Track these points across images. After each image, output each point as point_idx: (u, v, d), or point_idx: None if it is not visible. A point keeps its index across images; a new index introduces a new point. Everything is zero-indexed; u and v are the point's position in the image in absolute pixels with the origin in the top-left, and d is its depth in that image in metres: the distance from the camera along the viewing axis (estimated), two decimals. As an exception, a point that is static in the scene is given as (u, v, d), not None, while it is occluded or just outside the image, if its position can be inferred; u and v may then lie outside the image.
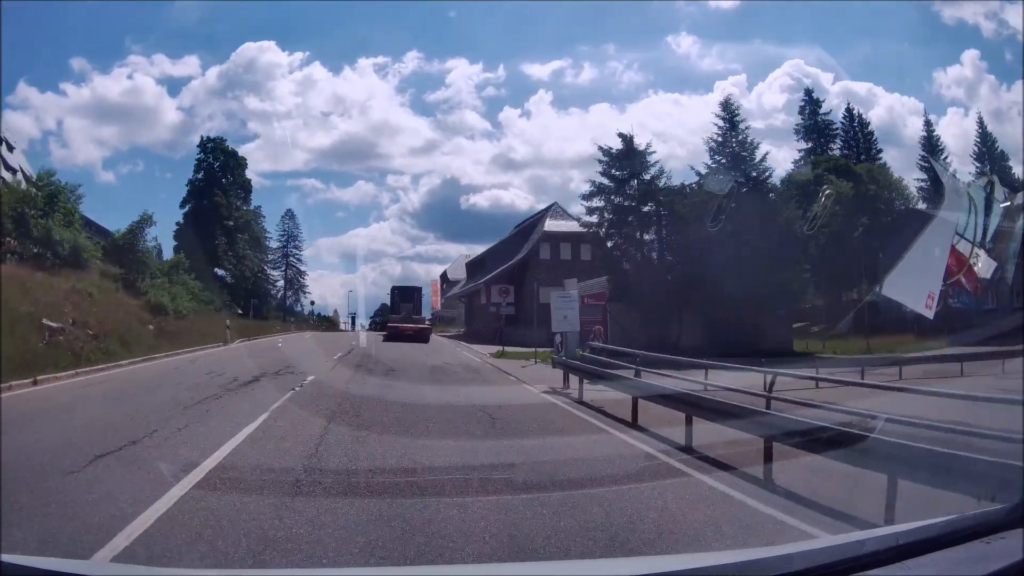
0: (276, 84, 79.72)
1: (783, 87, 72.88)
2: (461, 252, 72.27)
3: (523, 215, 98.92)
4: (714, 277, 25.08)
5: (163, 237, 57.95)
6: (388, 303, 44.53)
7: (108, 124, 79.73)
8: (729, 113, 33.33)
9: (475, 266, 52.17)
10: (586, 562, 3.86)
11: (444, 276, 79.29)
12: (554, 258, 39.26)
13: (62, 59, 70.40)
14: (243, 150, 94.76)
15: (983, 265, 9.01)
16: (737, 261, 25.37)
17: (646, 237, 32.10)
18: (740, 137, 32.67)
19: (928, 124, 46.30)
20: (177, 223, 50.55)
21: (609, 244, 32.68)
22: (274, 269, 71.31)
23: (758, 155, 32.41)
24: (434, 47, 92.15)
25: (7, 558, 2.03)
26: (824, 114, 47.25)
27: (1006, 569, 1.79)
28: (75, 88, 73.53)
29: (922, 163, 41.37)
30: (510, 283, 37.42)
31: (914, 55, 62.42)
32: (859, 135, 47.71)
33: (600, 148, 32.11)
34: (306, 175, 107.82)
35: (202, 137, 54.41)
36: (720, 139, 32.84)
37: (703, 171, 32.19)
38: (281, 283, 72.37)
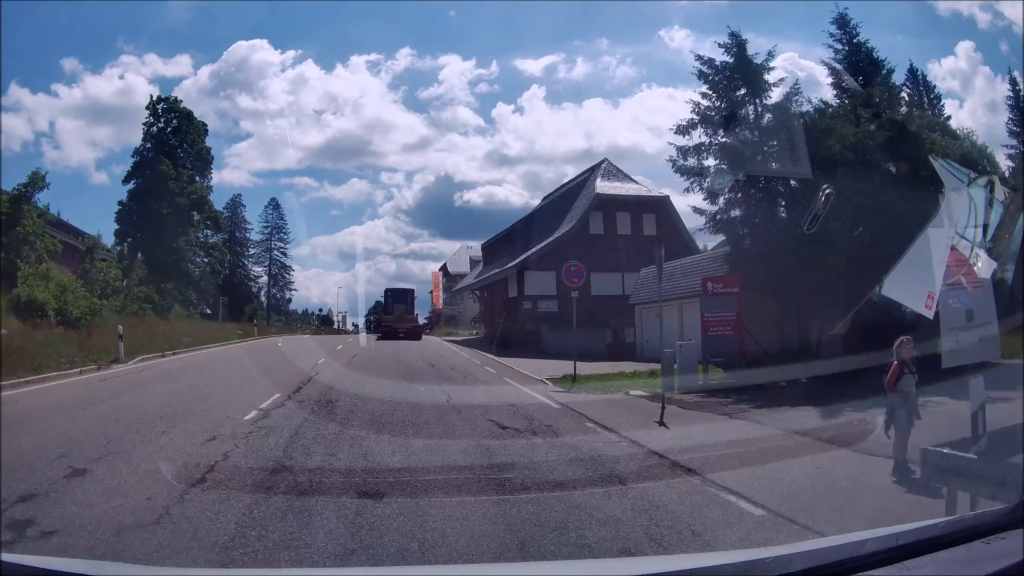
0: (268, 83, 79.50)
1: (776, 80, 72.51)
2: (455, 249, 69.78)
3: (517, 211, 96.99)
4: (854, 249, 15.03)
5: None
6: (382, 301, 44.80)
7: (101, 125, 79.31)
8: (847, 33, 25.85)
9: (497, 248, 38.78)
10: (586, 562, 3.86)
11: (444, 270, 75.34)
12: (609, 232, 29.23)
13: (54, 60, 70.07)
14: (236, 149, 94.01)
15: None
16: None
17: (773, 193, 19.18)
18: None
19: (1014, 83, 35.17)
20: (120, 203, 40.17)
21: (722, 202, 19.24)
22: (256, 264, 67.70)
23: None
24: (426, 43, 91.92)
25: (7, 558, 2.02)
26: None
27: (1006, 569, 1.79)
28: (67, 89, 73.13)
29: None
30: (543, 268, 27.79)
31: (908, 47, 62.37)
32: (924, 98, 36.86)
33: (699, 59, 19.54)
34: (299, 173, 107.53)
35: (151, 96, 43.90)
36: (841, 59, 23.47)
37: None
38: (264, 279, 68.10)
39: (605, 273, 26.78)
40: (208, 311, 47.07)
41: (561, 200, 33.99)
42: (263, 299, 67.24)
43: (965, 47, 53.18)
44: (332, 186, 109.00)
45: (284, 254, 70.16)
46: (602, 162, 32.53)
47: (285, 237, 69.95)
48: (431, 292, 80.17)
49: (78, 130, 52.59)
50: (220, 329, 34.32)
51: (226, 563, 3.83)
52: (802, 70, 68.64)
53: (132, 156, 42.36)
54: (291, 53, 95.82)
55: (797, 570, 1.97)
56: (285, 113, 77.83)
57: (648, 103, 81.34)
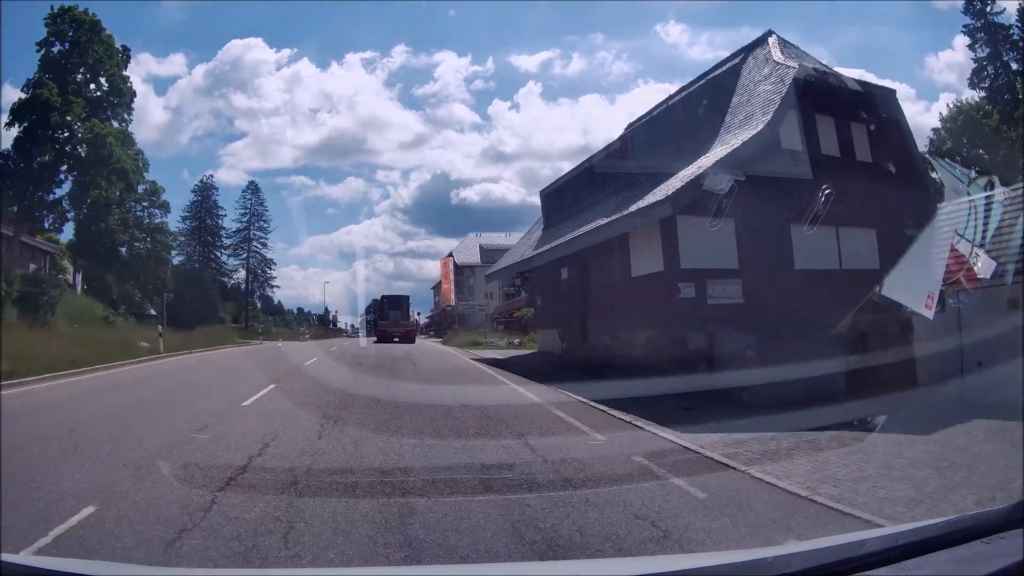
0: (263, 81, 79.24)
1: None
2: (452, 246, 65.14)
3: (514, 208, 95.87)
4: None
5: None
6: (379, 300, 45.92)
7: (232, 221, 77.65)
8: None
9: (572, 195, 22.09)
10: (586, 562, 3.86)
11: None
12: (812, 149, 14.63)
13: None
14: (231, 148, 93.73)
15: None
16: None
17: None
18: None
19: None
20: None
21: None
22: (233, 256, 57.40)
23: None
24: (421, 40, 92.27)
25: (7, 558, 2.02)
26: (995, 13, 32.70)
27: (1006, 569, 1.79)
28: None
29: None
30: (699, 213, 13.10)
31: (905, 40, 62.19)
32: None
33: None
34: (295, 172, 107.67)
35: (51, 8, 29.76)
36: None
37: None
38: (242, 274, 57.65)
39: (821, 229, 12.58)
40: (153, 312, 39.73)
41: (693, 101, 18.53)
42: (245, 296, 57.89)
43: (962, 41, 52.99)
44: (328, 185, 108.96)
45: (264, 245, 59.79)
46: (767, 35, 16.95)
47: (265, 226, 59.69)
48: (436, 287, 70.40)
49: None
50: (134, 335, 23.72)
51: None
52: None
53: (22, 90, 28.54)
54: (286, 51, 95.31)
55: (797, 570, 1.97)
56: (280, 112, 77.53)
57: (645, 98, 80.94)
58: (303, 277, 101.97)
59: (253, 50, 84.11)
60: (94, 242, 33.17)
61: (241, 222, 59.43)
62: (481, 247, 60.01)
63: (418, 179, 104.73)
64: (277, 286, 69.75)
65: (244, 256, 59.17)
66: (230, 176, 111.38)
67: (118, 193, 32.16)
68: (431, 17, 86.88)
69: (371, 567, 3.86)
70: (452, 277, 51.19)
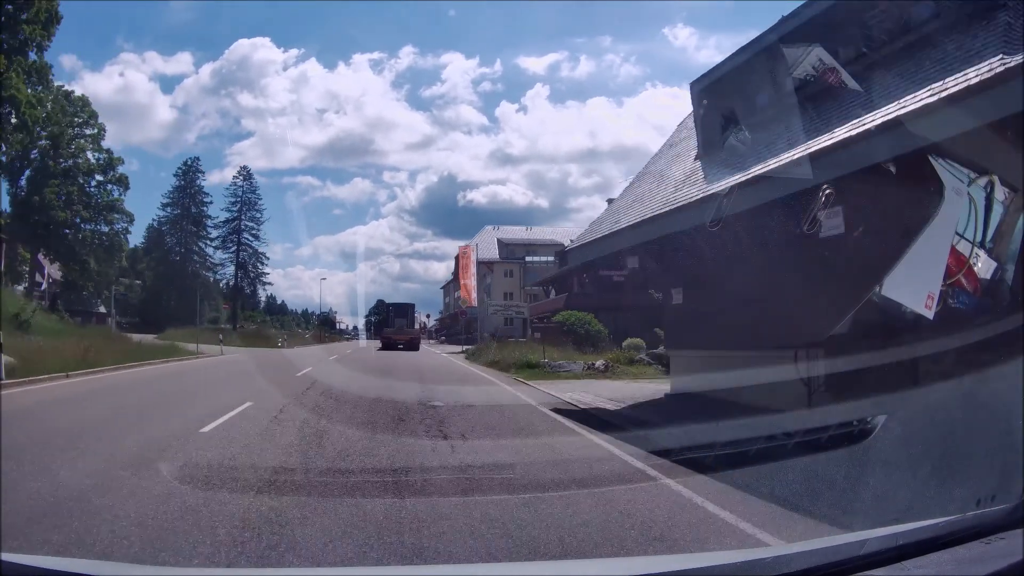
0: (270, 81, 79.20)
1: None
2: (458, 248, 64.16)
3: (521, 211, 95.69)
4: None
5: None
6: (385, 306, 45.84)
7: (222, 210, 78.09)
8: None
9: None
10: (586, 562, 3.86)
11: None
12: None
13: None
14: (237, 148, 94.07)
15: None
16: None
17: None
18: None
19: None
20: None
21: None
22: (221, 249, 51.61)
23: None
24: (429, 42, 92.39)
25: (7, 558, 2.02)
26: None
27: (1006, 569, 1.79)
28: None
29: None
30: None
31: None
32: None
33: None
34: (302, 172, 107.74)
35: None
36: None
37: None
38: (231, 269, 51.51)
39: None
40: (103, 310, 34.03)
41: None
42: (233, 292, 52.30)
43: None
44: (335, 185, 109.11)
45: (256, 237, 52.98)
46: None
47: (258, 216, 53.09)
48: (447, 286, 66.29)
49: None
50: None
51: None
52: None
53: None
54: (293, 51, 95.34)
55: (797, 570, 1.98)
56: (287, 111, 77.43)
57: (653, 102, 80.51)
58: (309, 278, 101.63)
59: (260, 50, 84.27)
60: (24, 218, 25.93)
61: (231, 211, 52.75)
62: (500, 241, 56.48)
63: (425, 180, 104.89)
64: (270, 283, 66.27)
65: (234, 249, 52.35)
66: (236, 177, 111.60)
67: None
68: (439, 19, 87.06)
69: (371, 567, 3.86)
70: (473, 271, 40.87)
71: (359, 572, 3.80)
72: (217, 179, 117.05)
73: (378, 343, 37.73)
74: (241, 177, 54.59)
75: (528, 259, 55.39)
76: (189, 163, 53.21)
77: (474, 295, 40.63)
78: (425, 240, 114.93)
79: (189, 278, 48.75)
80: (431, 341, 55.96)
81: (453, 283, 63.41)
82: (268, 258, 56.42)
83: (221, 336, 32.25)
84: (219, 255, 52.86)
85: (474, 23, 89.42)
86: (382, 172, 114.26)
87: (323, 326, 60.10)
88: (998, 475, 4.71)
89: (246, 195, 52.81)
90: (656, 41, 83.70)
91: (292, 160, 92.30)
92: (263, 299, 61.83)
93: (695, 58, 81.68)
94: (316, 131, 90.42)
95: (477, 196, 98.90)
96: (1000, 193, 8.05)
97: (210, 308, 51.55)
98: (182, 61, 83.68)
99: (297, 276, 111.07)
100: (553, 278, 45.12)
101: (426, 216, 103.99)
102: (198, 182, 52.70)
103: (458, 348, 38.39)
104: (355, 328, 59.41)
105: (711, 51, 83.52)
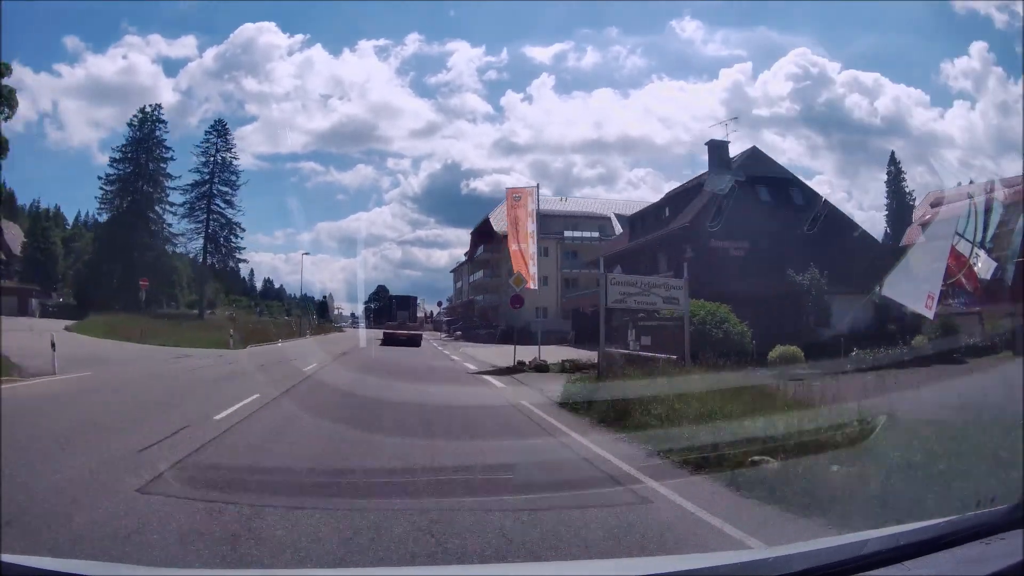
0: (275, 66, 78.78)
1: (789, 75, 72.07)
2: (461, 237, 58.55)
3: None
4: None
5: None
6: (388, 296, 45.08)
7: (104, 105, 79.38)
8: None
9: None
10: (586, 562, 3.86)
11: (485, 230, 48.21)
12: None
13: (55, 38, 69.01)
14: (240, 132, 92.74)
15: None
16: None
17: None
18: None
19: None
20: None
21: None
22: (189, 219, 42.73)
23: None
24: (435, 29, 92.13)
25: (7, 558, 2.02)
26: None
27: (1006, 569, 1.79)
28: (69, 68, 72.31)
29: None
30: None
31: (921, 46, 62.06)
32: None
33: None
34: (305, 158, 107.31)
35: None
36: None
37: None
38: (200, 242, 42.54)
39: None
40: None
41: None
42: (203, 269, 43.66)
43: (979, 47, 52.94)
44: (338, 171, 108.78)
45: (231, 204, 43.62)
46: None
47: (233, 179, 43.89)
48: (459, 268, 58.56)
49: (80, 110, 51.87)
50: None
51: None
52: (815, 66, 68.21)
53: None
54: (299, 37, 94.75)
55: (797, 570, 1.97)
56: (291, 97, 77.25)
57: (659, 94, 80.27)
58: (310, 263, 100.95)
59: (265, 34, 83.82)
60: None
61: (201, 173, 43.24)
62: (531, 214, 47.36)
63: (428, 168, 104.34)
64: (244, 259, 51.22)
65: (203, 218, 43.07)
66: (239, 160, 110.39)
67: None
68: (445, 6, 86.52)
69: (371, 567, 3.86)
70: (532, 231, 23.27)
71: (360, 572, 3.80)
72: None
73: (379, 336, 36.46)
74: (215, 132, 44.78)
75: (568, 235, 46.99)
76: (147, 110, 42.74)
77: (533, 271, 22.41)
78: (427, 228, 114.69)
79: (139, 249, 39.14)
80: (440, 335, 48.29)
81: (468, 266, 57.53)
82: (243, 229, 45.06)
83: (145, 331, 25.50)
84: (184, 225, 43.39)
85: (481, 11, 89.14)
86: (385, 159, 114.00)
87: (303, 314, 50.96)
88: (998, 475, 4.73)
89: (220, 154, 43.53)
90: (663, 34, 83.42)
91: (295, 145, 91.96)
92: (249, 280, 56.94)
93: (702, 52, 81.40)
94: (320, 117, 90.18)
95: (480, 185, 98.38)
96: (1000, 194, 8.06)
97: (177, 288, 42.96)
98: (186, 44, 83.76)
99: (297, 261, 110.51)
100: (618, 254, 34.76)
101: (429, 204, 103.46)
102: (157, 133, 42.25)
103: (489, 353, 25.94)
104: (353, 316, 54.16)
105: (717, 45, 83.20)
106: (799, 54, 79.63)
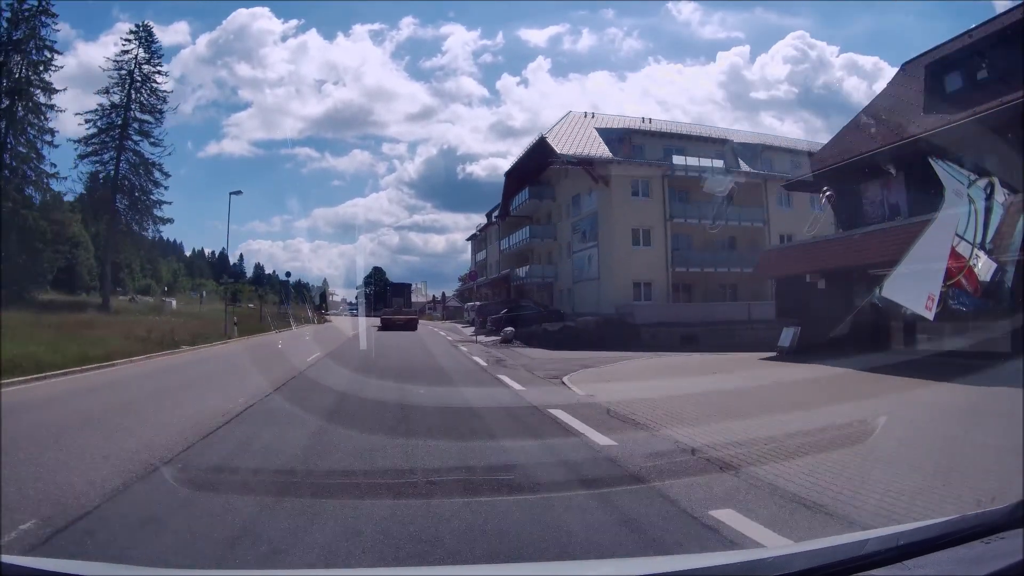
0: (268, 51, 77.91)
1: (787, 58, 70.80)
2: (458, 221, 58.07)
3: None
4: None
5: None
6: (383, 281, 47.08)
7: (94, 93, 78.20)
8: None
9: None
10: (586, 562, 3.85)
11: (503, 213, 37.08)
12: None
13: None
14: (235, 119, 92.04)
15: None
16: None
17: None
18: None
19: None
20: None
21: None
22: (92, 160, 29.14)
23: None
24: (429, 13, 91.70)
25: (7, 558, 2.02)
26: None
27: (1006, 569, 1.79)
28: (60, 56, 70.16)
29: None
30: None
31: (921, 29, 61.48)
32: None
33: None
34: (300, 144, 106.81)
35: None
36: None
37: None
38: (102, 187, 28.00)
39: None
40: None
41: None
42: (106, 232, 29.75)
43: (980, 31, 52.42)
44: (333, 157, 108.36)
45: (148, 136, 30.57)
46: None
47: (159, 106, 30.70)
48: (488, 228, 46.66)
49: (72, 99, 51.08)
50: None
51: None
52: (813, 48, 66.65)
53: None
54: (292, 22, 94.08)
55: (797, 570, 1.98)
56: (285, 82, 76.57)
57: (656, 77, 79.30)
58: (309, 249, 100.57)
59: (259, 20, 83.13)
60: None
61: (113, 93, 29.82)
62: (598, 131, 29.42)
63: (425, 153, 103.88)
64: (169, 219, 34.17)
65: (111, 157, 28.68)
66: (234, 147, 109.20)
67: None
68: None
69: (371, 567, 3.86)
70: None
71: (359, 572, 3.80)
72: (215, 150, 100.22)
73: (377, 323, 36.78)
74: (135, 39, 30.42)
75: (677, 161, 29.31)
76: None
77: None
78: (424, 213, 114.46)
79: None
80: (467, 332, 31.37)
81: (493, 229, 43.85)
82: (168, 175, 31.26)
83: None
84: (83, 167, 29.71)
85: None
86: (381, 144, 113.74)
87: (280, 298, 44.66)
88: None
89: (141, 67, 30.28)
90: (659, 16, 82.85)
91: (290, 131, 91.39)
92: (271, 272, 52.55)
93: (699, 33, 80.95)
94: (314, 102, 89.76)
95: (477, 169, 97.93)
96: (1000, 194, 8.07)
97: (46, 262, 27.27)
98: (179, 31, 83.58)
99: (297, 248, 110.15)
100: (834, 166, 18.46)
101: (425, 188, 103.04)
102: (41, 33, 28.14)
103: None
104: (349, 303, 50.82)
105: (715, 27, 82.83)
106: (797, 36, 78.38)
